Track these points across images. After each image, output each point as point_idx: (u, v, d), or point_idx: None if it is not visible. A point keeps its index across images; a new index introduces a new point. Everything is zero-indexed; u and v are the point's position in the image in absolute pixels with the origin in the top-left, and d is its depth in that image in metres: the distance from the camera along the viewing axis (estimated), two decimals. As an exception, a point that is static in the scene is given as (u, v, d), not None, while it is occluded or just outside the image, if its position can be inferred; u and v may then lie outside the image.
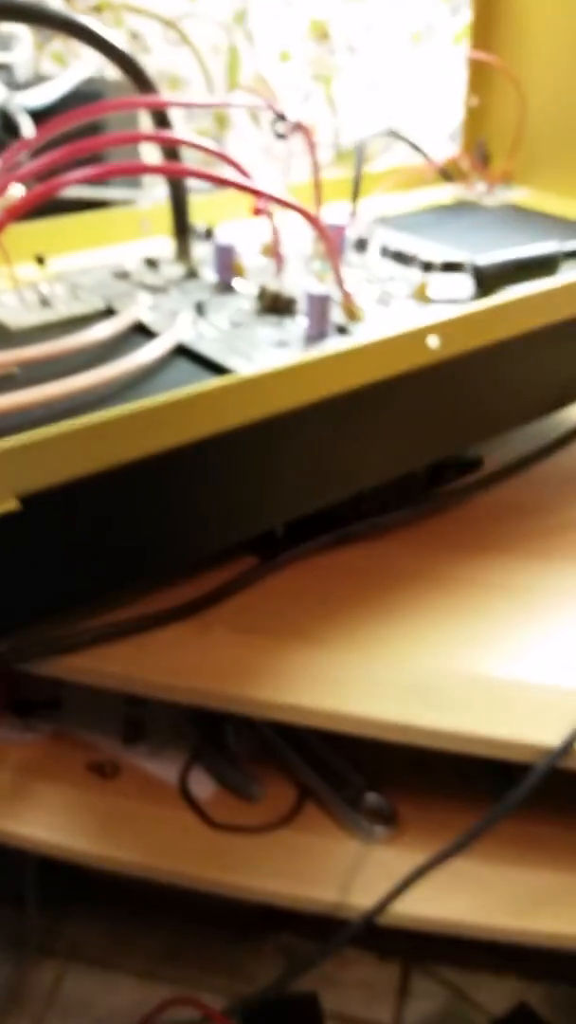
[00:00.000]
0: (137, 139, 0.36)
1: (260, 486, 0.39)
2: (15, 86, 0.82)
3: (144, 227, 0.51)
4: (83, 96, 0.84)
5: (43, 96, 0.82)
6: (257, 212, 0.37)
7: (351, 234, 0.50)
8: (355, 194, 0.55)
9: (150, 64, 1.02)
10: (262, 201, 0.36)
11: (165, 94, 0.38)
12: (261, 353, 0.39)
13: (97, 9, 1.01)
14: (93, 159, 0.36)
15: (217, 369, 0.38)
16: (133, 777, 0.48)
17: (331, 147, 1.00)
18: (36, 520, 0.32)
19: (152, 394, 0.34)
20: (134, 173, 0.34)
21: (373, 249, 0.49)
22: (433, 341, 0.39)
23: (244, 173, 0.36)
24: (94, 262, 0.48)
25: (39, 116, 0.81)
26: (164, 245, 0.50)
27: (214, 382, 0.34)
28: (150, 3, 1.00)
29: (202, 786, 0.47)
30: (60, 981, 0.65)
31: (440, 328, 0.39)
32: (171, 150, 0.45)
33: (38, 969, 0.66)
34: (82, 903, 0.69)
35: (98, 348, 0.38)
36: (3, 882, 0.67)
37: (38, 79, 0.84)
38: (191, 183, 0.47)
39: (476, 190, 0.61)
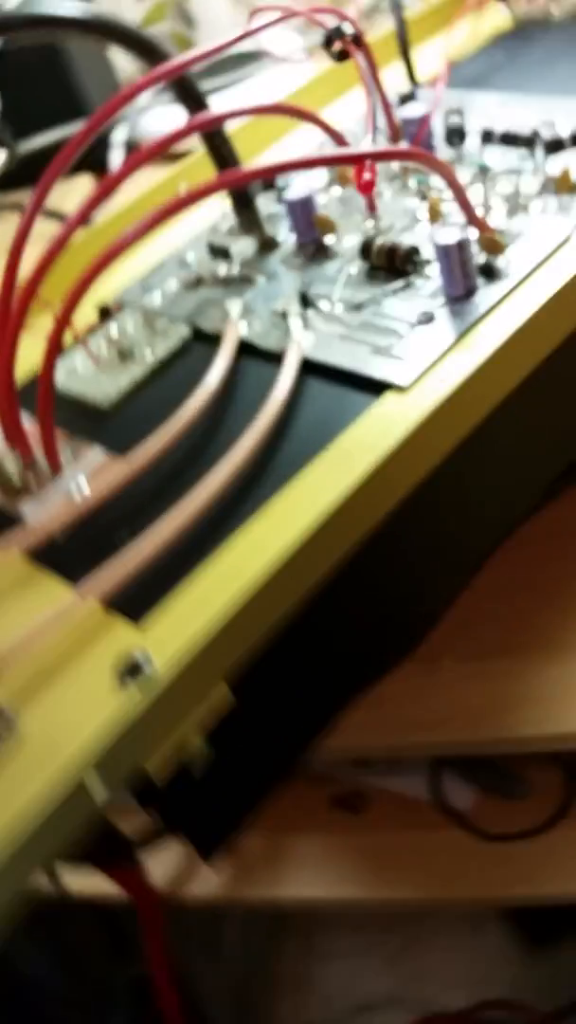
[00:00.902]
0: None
1: (482, 512, 0.32)
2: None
3: (183, 190, 0.42)
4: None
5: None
6: (367, 188, 0.28)
7: (437, 122, 0.40)
8: (405, 56, 0.45)
9: None
10: (369, 169, 0.27)
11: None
12: (407, 344, 0.30)
13: None
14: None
15: (362, 382, 0.30)
16: (380, 802, 0.44)
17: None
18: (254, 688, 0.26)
19: (302, 451, 0.27)
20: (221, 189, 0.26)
21: (472, 136, 0.39)
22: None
23: (341, 141, 0.27)
24: (149, 263, 0.40)
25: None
26: (215, 210, 0.41)
27: (409, 418, 0.27)
28: None
29: (460, 795, 0.43)
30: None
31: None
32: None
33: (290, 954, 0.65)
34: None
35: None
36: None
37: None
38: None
39: (537, 2, 0.49)
